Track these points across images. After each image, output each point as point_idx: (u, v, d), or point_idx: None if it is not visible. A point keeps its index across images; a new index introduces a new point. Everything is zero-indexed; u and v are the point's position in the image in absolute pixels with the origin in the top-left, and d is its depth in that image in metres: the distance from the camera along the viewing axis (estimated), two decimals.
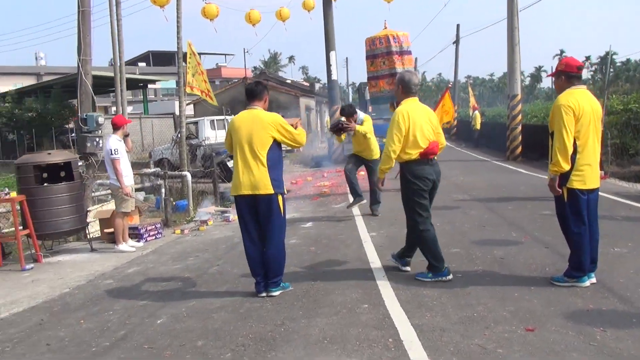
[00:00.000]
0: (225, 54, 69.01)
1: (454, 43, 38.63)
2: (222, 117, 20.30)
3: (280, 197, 4.77)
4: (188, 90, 10.79)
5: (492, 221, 7.56)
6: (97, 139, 9.05)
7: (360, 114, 8.57)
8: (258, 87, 4.97)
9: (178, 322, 4.37)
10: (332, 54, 18.61)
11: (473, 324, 3.88)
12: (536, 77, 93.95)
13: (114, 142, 7.28)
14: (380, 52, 11.89)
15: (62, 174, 7.55)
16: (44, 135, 28.77)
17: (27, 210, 6.90)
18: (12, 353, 4.03)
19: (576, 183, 4.44)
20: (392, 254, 5.58)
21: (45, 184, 7.34)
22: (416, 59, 33.99)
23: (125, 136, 7.63)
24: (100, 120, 9.10)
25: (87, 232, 8.00)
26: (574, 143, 4.40)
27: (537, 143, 15.47)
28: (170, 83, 49.09)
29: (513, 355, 3.37)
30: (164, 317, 4.54)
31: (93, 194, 9.75)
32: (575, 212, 4.49)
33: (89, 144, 8.97)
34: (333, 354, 3.56)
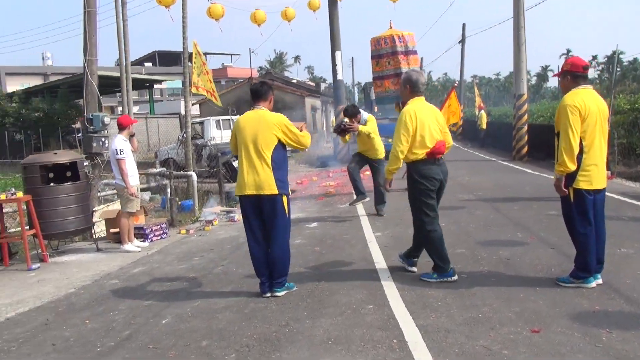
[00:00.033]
0: (231, 54, 69.09)
1: (460, 42, 38.56)
2: (227, 117, 20.34)
3: (284, 198, 4.77)
4: (194, 90, 10.82)
5: (497, 221, 7.53)
6: (103, 139, 9.08)
7: (364, 114, 8.56)
8: (263, 88, 4.97)
9: (183, 322, 4.38)
10: (338, 53, 18.62)
11: (478, 325, 3.86)
12: (543, 76, 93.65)
13: (119, 142, 7.30)
14: (385, 52, 11.88)
15: (68, 174, 7.58)
16: (51, 135, 28.93)
17: (33, 210, 6.92)
18: (18, 353, 4.05)
19: (582, 183, 4.42)
20: (400, 253, 5.56)
21: (52, 184, 7.37)
22: (422, 58, 33.96)
23: (131, 136, 7.65)
24: (106, 120, 9.14)
25: (93, 232, 8.03)
26: (580, 143, 4.38)
27: (543, 143, 15.42)
28: (177, 83, 49.17)
29: (518, 356, 3.35)
30: (169, 317, 4.54)
31: (99, 194, 9.78)
32: (582, 213, 4.47)
33: (95, 144, 9.01)
34: (337, 354, 3.55)
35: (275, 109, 5.04)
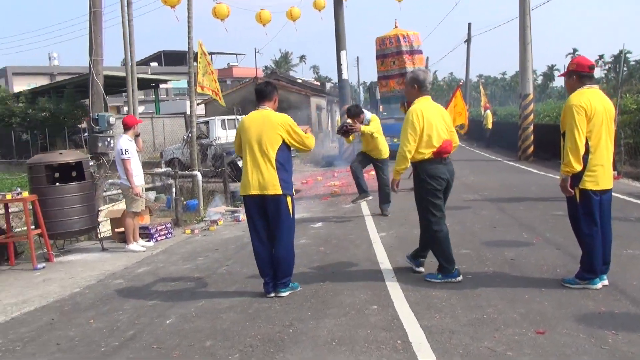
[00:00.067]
0: (236, 54, 69.17)
1: (465, 42, 38.48)
2: (232, 117, 20.34)
3: (289, 199, 4.76)
4: (199, 90, 10.84)
5: (503, 222, 7.50)
6: (109, 139, 9.09)
7: (367, 114, 8.55)
8: (268, 88, 4.97)
9: (187, 322, 4.38)
10: (343, 53, 18.60)
11: (483, 326, 3.84)
12: (549, 76, 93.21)
13: (124, 142, 7.32)
14: (390, 51, 11.86)
15: (74, 173, 7.61)
16: (57, 135, 29.04)
17: (39, 209, 6.95)
18: (23, 352, 4.06)
19: (589, 184, 4.39)
20: (407, 255, 5.53)
21: (57, 184, 7.40)
22: (427, 58, 33.86)
23: (136, 136, 7.67)
24: (112, 120, 9.15)
25: (98, 231, 8.06)
26: (586, 143, 4.35)
27: (549, 143, 15.36)
28: (182, 83, 49.29)
29: (523, 358, 3.33)
30: (173, 317, 4.55)
31: (105, 194, 9.80)
32: (588, 213, 4.44)
33: (100, 144, 9.01)
34: (341, 355, 3.54)
35: (281, 108, 5.04)
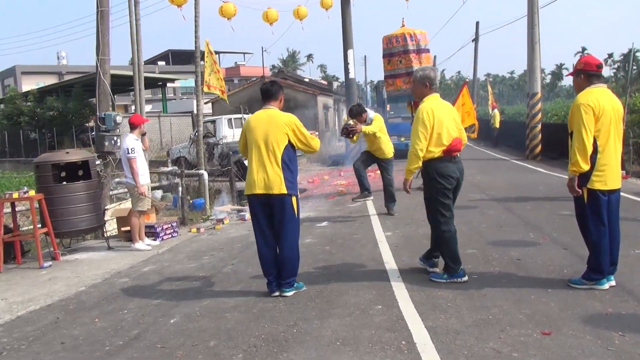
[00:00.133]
0: (244, 53, 69.15)
1: (473, 41, 38.32)
2: (239, 116, 20.37)
3: (293, 199, 4.75)
4: (205, 89, 10.84)
5: (509, 221, 7.46)
6: (115, 138, 9.12)
7: (370, 113, 8.51)
8: (273, 87, 4.95)
9: (191, 322, 4.38)
10: (350, 52, 18.57)
11: (488, 327, 3.81)
12: (557, 75, 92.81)
13: (130, 141, 7.33)
14: (397, 50, 11.77)
15: (80, 172, 7.63)
16: (65, 133, 29.20)
17: (45, 208, 6.98)
18: (28, 351, 4.07)
19: (597, 184, 4.35)
20: (420, 257, 5.46)
21: (64, 183, 7.43)
22: (435, 56, 33.78)
23: (142, 135, 7.68)
24: (118, 119, 9.17)
25: (104, 230, 8.08)
26: (594, 143, 4.31)
27: (557, 142, 15.27)
28: (190, 82, 49.40)
29: (528, 359, 3.30)
30: (178, 316, 4.55)
31: (111, 192, 9.83)
32: (595, 213, 4.40)
33: (107, 143, 9.04)
34: (345, 355, 3.53)
35: (287, 107, 5.03)
